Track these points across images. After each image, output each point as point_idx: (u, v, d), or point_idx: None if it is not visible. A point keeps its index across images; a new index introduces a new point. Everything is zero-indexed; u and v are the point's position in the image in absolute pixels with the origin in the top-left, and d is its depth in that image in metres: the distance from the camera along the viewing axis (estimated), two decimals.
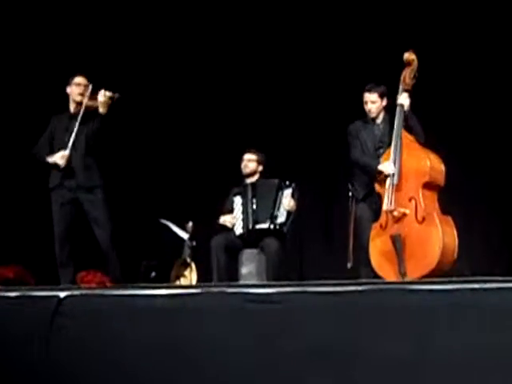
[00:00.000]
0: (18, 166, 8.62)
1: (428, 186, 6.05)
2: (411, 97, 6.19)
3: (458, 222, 6.04)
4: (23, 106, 8.65)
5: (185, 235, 8.00)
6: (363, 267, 6.11)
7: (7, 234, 8.37)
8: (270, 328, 4.71)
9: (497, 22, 7.84)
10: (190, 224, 7.98)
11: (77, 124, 6.46)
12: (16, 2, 8.55)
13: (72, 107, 6.63)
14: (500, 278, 4.59)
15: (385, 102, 6.35)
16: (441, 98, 7.87)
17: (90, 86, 6.54)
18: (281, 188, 6.89)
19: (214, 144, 8.67)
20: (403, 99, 6.17)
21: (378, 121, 6.37)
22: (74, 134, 6.46)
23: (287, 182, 6.91)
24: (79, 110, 6.50)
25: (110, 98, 6.46)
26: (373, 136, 6.34)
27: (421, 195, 6.00)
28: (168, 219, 8.14)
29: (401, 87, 6.22)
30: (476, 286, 4.43)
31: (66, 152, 6.46)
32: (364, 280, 5.87)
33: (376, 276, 5.97)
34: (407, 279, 5.76)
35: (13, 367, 5.03)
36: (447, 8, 7.93)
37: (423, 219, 5.94)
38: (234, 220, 6.91)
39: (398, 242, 5.94)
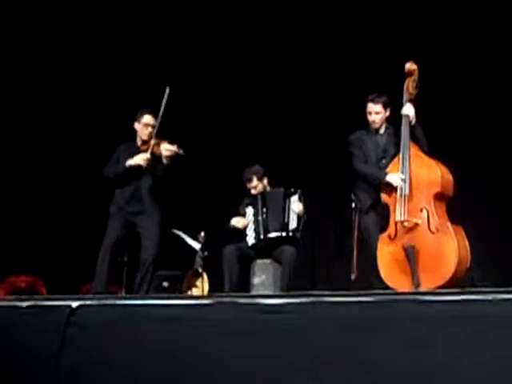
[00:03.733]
0: (31, 178, 8.68)
1: (439, 196, 6.04)
2: (415, 106, 6.19)
3: (467, 231, 6.03)
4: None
5: (197, 245, 8.00)
6: (373, 278, 6.08)
7: (20, 244, 8.41)
8: (283, 339, 4.70)
9: (497, 31, 7.87)
10: (202, 234, 7.99)
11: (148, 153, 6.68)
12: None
13: (139, 142, 6.82)
14: None
15: (388, 113, 6.33)
16: (445, 106, 7.90)
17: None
18: (287, 195, 6.91)
19: (224, 155, 8.70)
20: (408, 109, 6.15)
21: (381, 131, 6.36)
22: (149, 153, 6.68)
23: (292, 189, 6.94)
24: (146, 149, 6.72)
25: (175, 152, 6.65)
26: (376, 146, 6.32)
27: (433, 205, 5.99)
28: (180, 229, 8.15)
29: (405, 97, 6.21)
30: (489, 296, 4.42)
31: (148, 155, 6.67)
32: (377, 291, 5.84)
33: (386, 286, 5.95)
34: (421, 290, 5.74)
35: (24, 377, 5.03)
36: (448, 18, 7.97)
37: (437, 230, 5.92)
38: (244, 223, 6.92)
39: (411, 253, 5.91)
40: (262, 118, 8.66)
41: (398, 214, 6.01)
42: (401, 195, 6.02)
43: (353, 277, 6.25)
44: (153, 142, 6.72)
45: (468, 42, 7.98)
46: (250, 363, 4.69)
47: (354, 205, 6.39)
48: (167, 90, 6.69)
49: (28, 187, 8.69)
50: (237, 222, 7.00)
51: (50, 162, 8.80)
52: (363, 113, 6.39)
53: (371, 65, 8.12)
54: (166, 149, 6.66)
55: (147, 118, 6.78)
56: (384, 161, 6.24)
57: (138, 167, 6.69)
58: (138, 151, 6.76)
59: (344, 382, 4.53)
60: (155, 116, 6.75)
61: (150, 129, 6.76)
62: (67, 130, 8.86)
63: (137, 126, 6.81)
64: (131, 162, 6.68)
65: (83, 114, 8.88)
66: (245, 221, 6.97)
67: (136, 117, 6.81)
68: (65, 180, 8.69)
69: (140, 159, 6.67)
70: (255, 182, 7.04)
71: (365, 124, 6.42)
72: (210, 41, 8.78)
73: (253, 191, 7.05)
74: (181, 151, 6.69)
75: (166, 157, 6.66)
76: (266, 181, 7.09)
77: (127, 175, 6.71)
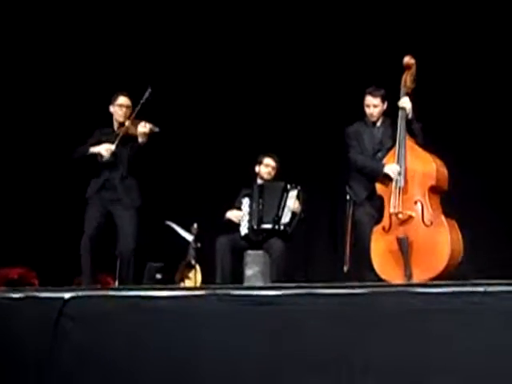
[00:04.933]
0: (24, 170, 8.66)
1: (433, 189, 6.05)
2: (412, 100, 6.18)
3: (461, 225, 6.03)
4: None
5: (190, 237, 8.00)
6: (366, 271, 6.08)
7: (13, 235, 8.39)
8: (275, 330, 4.70)
9: (495, 26, 7.85)
10: (195, 226, 7.99)
11: (115, 143, 6.55)
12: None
13: (115, 126, 6.71)
14: (504, 281, 4.58)
15: (385, 106, 6.34)
16: (442, 101, 7.88)
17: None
18: (286, 190, 6.91)
19: (219, 146, 8.68)
20: (405, 103, 6.16)
21: (378, 124, 6.36)
22: (115, 144, 6.55)
23: (293, 185, 6.94)
24: (125, 132, 6.59)
25: (151, 130, 6.52)
26: (372, 139, 6.33)
27: (427, 198, 6.00)
28: (173, 221, 8.14)
29: (402, 91, 6.22)
30: (480, 289, 4.42)
31: (112, 147, 6.53)
32: (370, 282, 5.85)
33: (379, 279, 5.96)
34: (413, 282, 5.76)
35: (16, 369, 5.03)
36: (446, 12, 7.95)
37: (431, 223, 5.93)
38: (239, 216, 6.92)
39: (404, 245, 5.92)
40: (258, 111, 8.63)
41: (392, 205, 6.02)
42: (396, 187, 6.04)
43: (345, 268, 6.25)
44: (127, 123, 6.58)
45: (466, 37, 7.94)
46: (244, 354, 4.70)
47: (348, 197, 6.39)
48: (148, 90, 6.58)
49: (20, 179, 8.67)
50: (232, 214, 6.99)
51: (43, 152, 8.78)
52: (359, 106, 6.39)
53: (367, 58, 8.08)
54: (142, 126, 6.48)
55: (122, 99, 6.65)
56: (380, 153, 6.25)
57: (111, 156, 6.55)
58: (114, 135, 6.60)
59: (337, 374, 4.53)
60: (130, 98, 6.65)
61: (124, 109, 6.62)
62: (60, 122, 8.83)
63: (112, 108, 6.68)
64: (94, 149, 6.55)
65: (73, 107, 8.84)
66: (240, 214, 6.95)
67: (111, 99, 6.69)
68: (58, 171, 8.67)
69: (103, 149, 6.52)
70: (275, 162, 7.04)
71: (361, 117, 6.42)
72: (212, 31, 8.73)
73: (269, 171, 7.02)
74: (156, 129, 6.55)
75: (142, 134, 6.48)
76: (274, 173, 7.09)
77: (100, 164, 6.58)
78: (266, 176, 7.03)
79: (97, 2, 8.81)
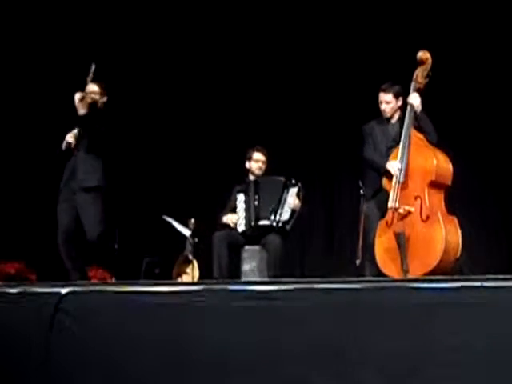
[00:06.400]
0: (20, 164, 8.66)
1: (434, 184, 6.05)
2: (424, 96, 6.16)
3: (460, 221, 6.03)
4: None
5: (187, 232, 8.01)
6: (368, 264, 6.12)
7: (9, 231, 8.39)
8: (272, 325, 4.70)
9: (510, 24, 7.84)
10: (192, 221, 8.00)
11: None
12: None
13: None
14: (500, 277, 4.58)
15: (400, 102, 6.30)
16: (447, 98, 7.87)
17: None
18: (286, 186, 6.89)
19: (216, 141, 8.69)
20: (413, 99, 6.14)
21: (393, 120, 6.35)
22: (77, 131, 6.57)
23: (293, 181, 6.91)
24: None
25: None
26: (386, 135, 6.32)
27: (426, 194, 6.00)
28: (170, 216, 8.14)
29: (412, 86, 6.20)
30: (477, 283, 4.43)
31: (75, 130, 6.56)
32: (366, 277, 5.87)
33: (380, 273, 5.97)
34: (409, 276, 5.77)
35: (13, 364, 5.02)
36: (460, 8, 7.93)
37: (427, 218, 5.94)
38: (236, 219, 6.90)
39: (401, 240, 5.94)
40: (257, 106, 8.64)
41: (391, 201, 6.04)
42: (395, 183, 6.05)
43: (358, 262, 6.25)
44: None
45: (478, 35, 7.94)
46: (239, 350, 4.70)
47: (361, 192, 6.41)
48: (93, 66, 6.60)
49: (17, 173, 8.68)
50: (228, 219, 6.96)
51: (38, 147, 8.77)
52: (367, 103, 6.39)
53: (377, 54, 8.07)
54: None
55: (91, 87, 6.63)
56: (393, 149, 6.24)
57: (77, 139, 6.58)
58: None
59: (334, 369, 4.53)
60: (100, 86, 6.67)
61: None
62: (55, 118, 8.82)
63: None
64: (63, 143, 6.58)
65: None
66: (236, 218, 6.93)
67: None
68: (55, 166, 8.67)
69: (68, 138, 6.56)
70: (264, 156, 7.03)
71: (372, 113, 6.41)
72: (210, 25, 8.73)
73: (260, 166, 7.02)
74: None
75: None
76: (265, 167, 7.08)
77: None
78: (257, 172, 7.02)
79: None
